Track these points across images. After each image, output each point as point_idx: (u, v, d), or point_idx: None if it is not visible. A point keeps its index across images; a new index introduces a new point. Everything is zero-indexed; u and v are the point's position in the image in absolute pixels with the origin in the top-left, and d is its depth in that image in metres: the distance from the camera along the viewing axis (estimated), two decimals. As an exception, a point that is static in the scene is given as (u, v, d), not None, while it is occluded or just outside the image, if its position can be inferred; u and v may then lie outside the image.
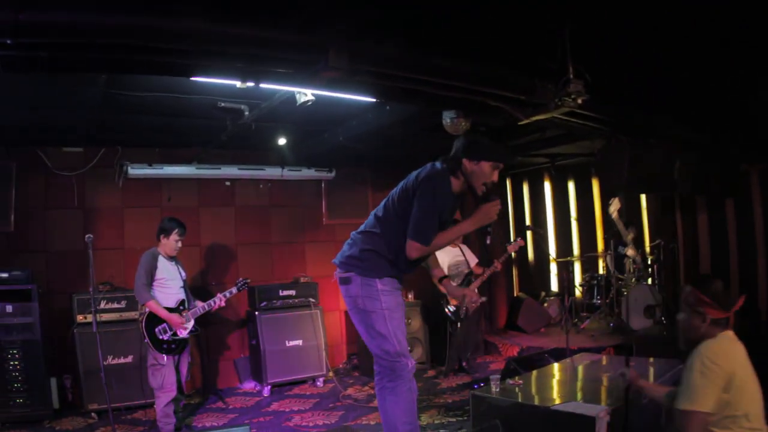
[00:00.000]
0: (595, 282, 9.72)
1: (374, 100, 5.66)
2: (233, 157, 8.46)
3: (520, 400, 4.55)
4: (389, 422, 3.88)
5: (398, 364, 3.75)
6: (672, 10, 4.24)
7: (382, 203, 4.01)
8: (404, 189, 3.85)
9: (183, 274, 6.09)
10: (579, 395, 4.62)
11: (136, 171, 7.67)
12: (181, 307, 5.89)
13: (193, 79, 4.45)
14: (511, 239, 11.10)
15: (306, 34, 3.79)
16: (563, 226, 11.72)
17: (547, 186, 11.72)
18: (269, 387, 7.77)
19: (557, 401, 4.39)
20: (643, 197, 10.19)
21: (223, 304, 6.18)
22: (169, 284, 5.87)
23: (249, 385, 8.18)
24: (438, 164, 3.86)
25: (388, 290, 3.77)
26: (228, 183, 8.61)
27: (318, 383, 8.14)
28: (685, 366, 2.90)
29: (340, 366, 9.18)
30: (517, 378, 5.30)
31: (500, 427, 4.41)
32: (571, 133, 7.00)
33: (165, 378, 5.66)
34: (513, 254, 8.57)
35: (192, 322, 5.94)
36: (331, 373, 8.33)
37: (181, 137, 7.69)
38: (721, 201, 8.55)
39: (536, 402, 4.56)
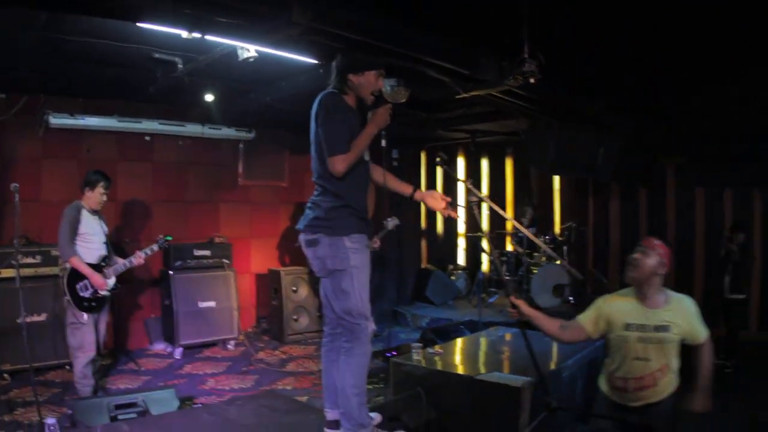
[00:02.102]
0: (505, 259, 10.03)
1: (315, 62, 5.58)
2: (155, 111, 8.13)
3: (442, 368, 4.66)
4: (336, 384, 3.84)
5: (359, 326, 3.73)
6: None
7: (312, 165, 3.99)
8: (314, 133, 3.84)
9: (105, 228, 5.83)
10: (501, 366, 4.80)
11: (57, 120, 7.32)
12: (103, 264, 5.68)
13: (138, 24, 4.24)
14: (423, 217, 11.33)
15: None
16: (473, 203, 11.94)
17: (461, 162, 11.93)
18: (181, 349, 7.66)
19: (480, 371, 4.54)
20: (555, 179, 10.58)
21: (142, 261, 5.98)
22: (91, 239, 5.60)
23: (160, 347, 8.02)
24: (324, 92, 3.91)
25: (357, 248, 3.73)
26: (148, 138, 8.29)
27: (229, 346, 8.09)
28: (687, 312, 3.65)
29: (250, 329, 9.16)
30: (437, 347, 5.41)
31: (423, 395, 4.51)
32: (499, 110, 7.15)
33: (85, 337, 5.45)
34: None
35: (113, 279, 5.74)
36: (241, 337, 8.27)
37: (108, 88, 7.32)
38: (636, 190, 9.01)
39: (459, 371, 4.70)
